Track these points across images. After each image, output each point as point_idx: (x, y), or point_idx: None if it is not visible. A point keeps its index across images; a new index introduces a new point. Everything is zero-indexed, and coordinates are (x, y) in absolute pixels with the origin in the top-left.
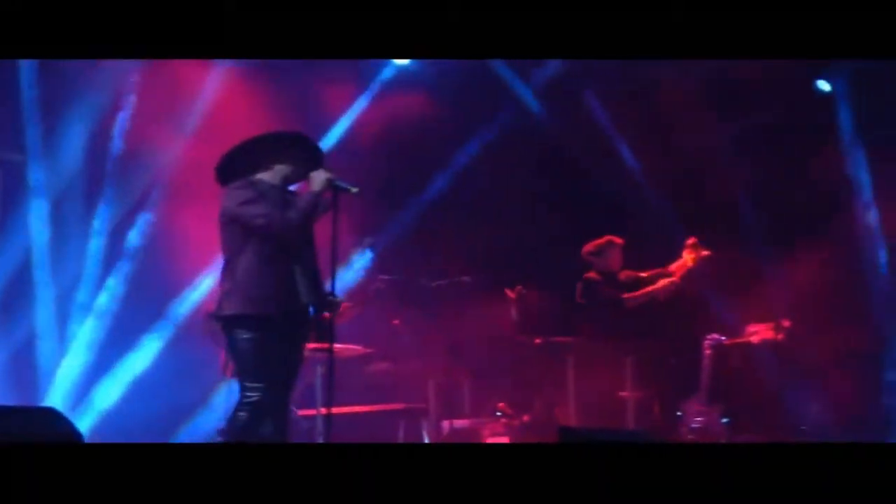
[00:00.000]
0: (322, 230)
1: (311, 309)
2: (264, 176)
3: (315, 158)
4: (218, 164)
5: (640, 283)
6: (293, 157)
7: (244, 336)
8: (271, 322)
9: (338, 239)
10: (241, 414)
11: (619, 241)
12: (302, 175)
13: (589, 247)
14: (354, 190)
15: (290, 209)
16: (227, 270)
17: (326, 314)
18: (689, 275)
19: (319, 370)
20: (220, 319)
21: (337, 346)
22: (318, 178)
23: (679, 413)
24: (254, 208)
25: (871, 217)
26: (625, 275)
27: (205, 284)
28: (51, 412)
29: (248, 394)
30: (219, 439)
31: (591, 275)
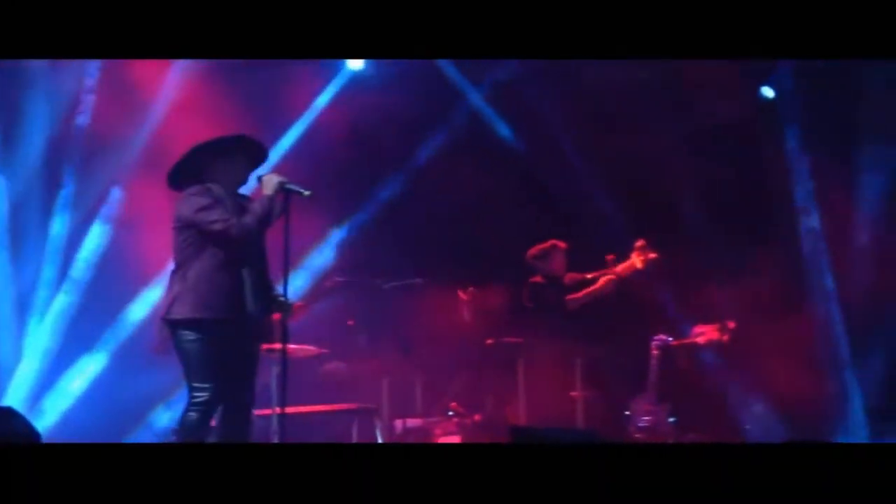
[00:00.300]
0: (274, 233)
1: (262, 312)
2: (216, 180)
3: (259, 157)
4: (169, 172)
5: (585, 285)
6: (239, 159)
7: (193, 338)
8: (222, 326)
9: (290, 241)
10: (191, 414)
11: (562, 245)
12: (248, 176)
13: (533, 251)
14: (306, 193)
15: (247, 214)
16: (179, 274)
17: (277, 316)
18: (637, 276)
19: (274, 370)
20: (170, 322)
21: (292, 346)
22: (270, 182)
23: (627, 412)
24: (210, 214)
25: (813, 219)
26: (570, 278)
27: (161, 286)
28: (8, 411)
29: (197, 394)
30: (173, 439)
31: (537, 279)
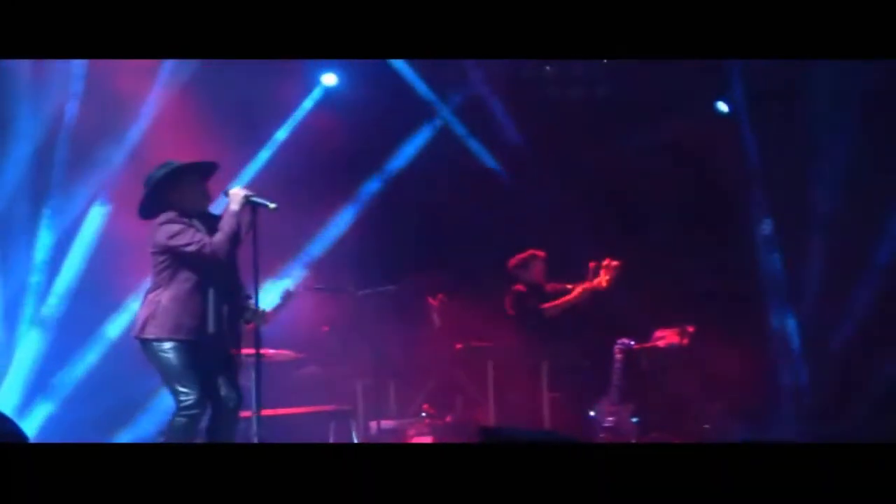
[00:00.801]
0: (246, 244)
1: (232, 325)
2: (182, 205)
3: (206, 173)
4: (138, 209)
5: (563, 294)
6: (194, 181)
7: (167, 355)
8: (191, 343)
9: (259, 252)
10: (180, 419)
11: (541, 254)
12: (207, 192)
13: (514, 261)
14: (272, 206)
15: (217, 233)
16: (153, 295)
17: (251, 325)
18: (604, 291)
19: (252, 374)
20: (143, 341)
21: (269, 351)
22: (236, 196)
23: (592, 413)
24: (182, 238)
25: (767, 227)
26: (551, 286)
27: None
28: None
29: (183, 399)
30: (161, 440)
31: (519, 287)
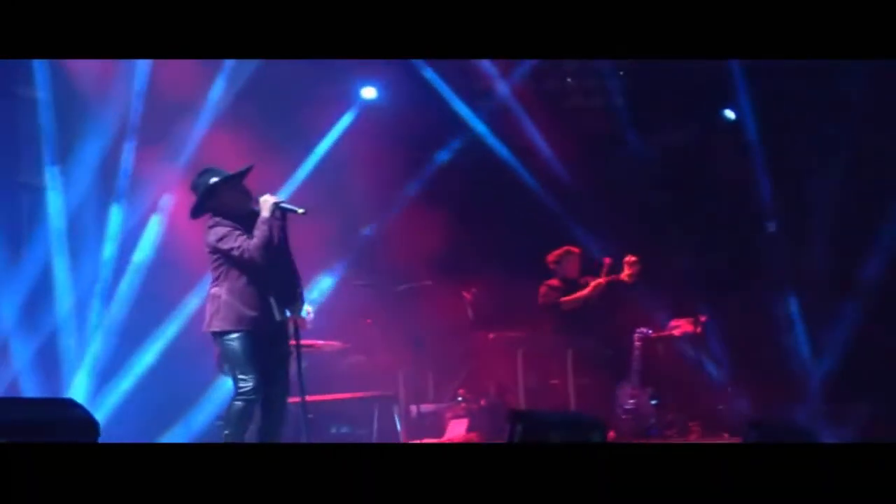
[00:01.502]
0: (298, 245)
1: (286, 316)
2: (228, 208)
3: (242, 177)
4: (190, 214)
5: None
6: (229, 190)
7: (232, 344)
8: (252, 334)
9: (294, 254)
10: (237, 403)
11: (576, 250)
12: (248, 193)
13: (551, 256)
14: (301, 211)
15: (253, 238)
16: (214, 292)
17: (298, 318)
18: (622, 287)
19: (302, 364)
20: (213, 334)
21: (318, 342)
22: (266, 203)
23: (614, 396)
24: (227, 242)
25: (772, 226)
26: (583, 280)
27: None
28: (70, 403)
29: (242, 385)
30: (219, 423)
31: (553, 282)
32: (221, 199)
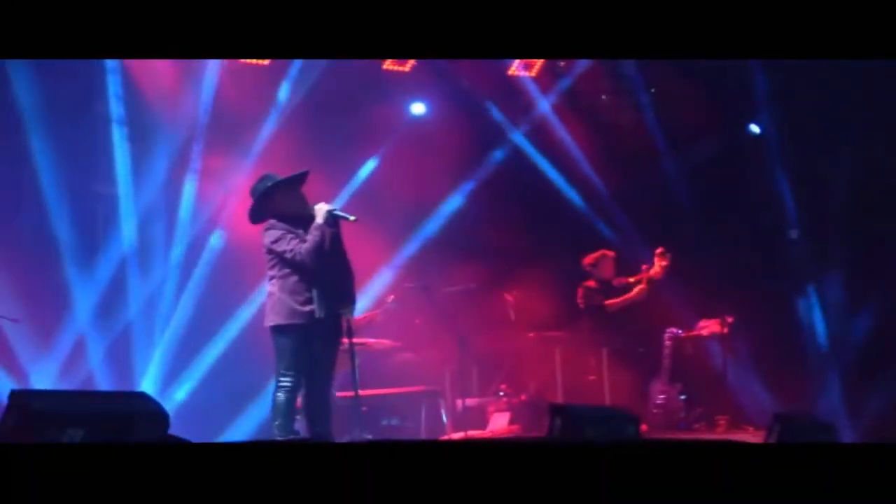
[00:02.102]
0: (352, 249)
1: (334, 315)
2: (284, 212)
3: (299, 183)
4: (248, 215)
5: (625, 291)
6: (285, 194)
7: (283, 339)
8: (303, 329)
9: (349, 258)
10: (279, 395)
11: (611, 253)
12: (304, 198)
13: (588, 259)
14: (352, 218)
15: (305, 243)
16: (269, 289)
17: (350, 318)
18: (656, 283)
19: (355, 361)
20: (269, 329)
21: (371, 340)
22: (320, 211)
23: (646, 392)
24: (281, 245)
25: (794, 233)
26: (618, 281)
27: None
28: (143, 396)
29: (282, 381)
30: (270, 415)
31: (590, 283)
32: (278, 203)
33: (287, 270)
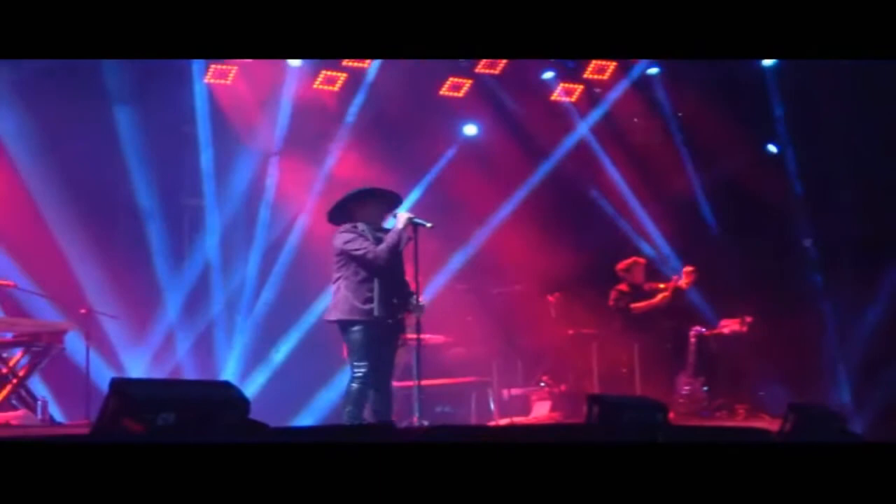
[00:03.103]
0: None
1: (392, 314)
2: (362, 219)
3: (391, 201)
4: (328, 212)
5: (651, 296)
6: (375, 203)
7: (351, 334)
8: (365, 325)
9: (419, 261)
10: (353, 385)
11: (642, 260)
12: (384, 215)
13: (621, 265)
14: (429, 225)
15: (382, 244)
16: (334, 288)
17: (414, 315)
18: (684, 291)
19: (414, 354)
20: (330, 322)
21: (427, 336)
22: (402, 217)
23: (673, 383)
24: (354, 244)
25: (808, 242)
26: (648, 286)
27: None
28: (226, 384)
29: (356, 371)
30: (341, 403)
31: (622, 287)
32: (363, 209)
33: (353, 271)
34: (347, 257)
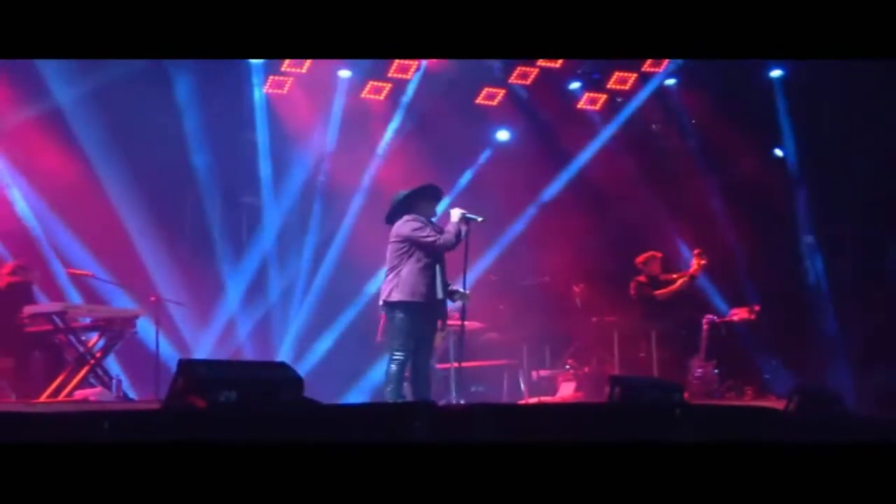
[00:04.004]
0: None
1: (445, 298)
2: (418, 212)
3: (439, 197)
4: (388, 214)
5: (670, 284)
6: (430, 200)
7: (400, 316)
8: (420, 307)
9: (469, 252)
10: (392, 366)
11: (658, 254)
12: (436, 210)
13: (639, 258)
14: (480, 219)
15: (446, 233)
16: (395, 272)
17: (460, 302)
18: (695, 279)
19: (452, 338)
20: (387, 304)
21: (466, 322)
22: (456, 213)
23: (687, 366)
24: (423, 232)
25: (810, 239)
26: (664, 277)
27: (375, 284)
28: (283, 365)
29: (396, 354)
30: (384, 380)
31: (641, 278)
32: (421, 203)
33: (416, 258)
34: (412, 244)
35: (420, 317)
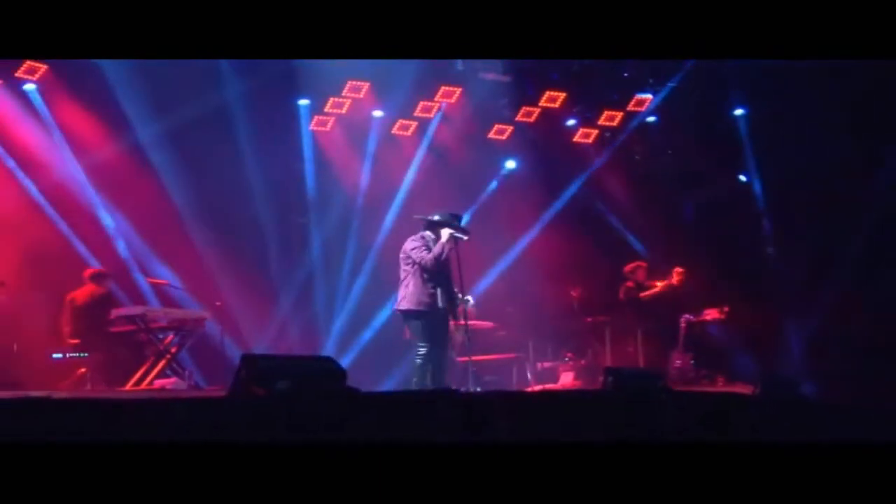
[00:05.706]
0: (465, 260)
1: (449, 305)
2: (434, 232)
3: (449, 222)
4: (426, 224)
5: (654, 288)
6: (444, 224)
7: (414, 321)
8: (424, 315)
9: (462, 266)
10: (417, 360)
11: (643, 263)
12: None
13: (627, 267)
14: (465, 237)
15: (431, 254)
16: (404, 283)
17: (462, 305)
18: (676, 287)
19: (465, 336)
20: (399, 311)
21: (478, 322)
22: (445, 233)
23: (668, 358)
24: (418, 252)
25: (771, 250)
26: (648, 283)
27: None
28: (328, 359)
29: (419, 349)
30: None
31: (629, 284)
32: (440, 226)
33: (418, 271)
34: (412, 260)
35: (427, 322)
